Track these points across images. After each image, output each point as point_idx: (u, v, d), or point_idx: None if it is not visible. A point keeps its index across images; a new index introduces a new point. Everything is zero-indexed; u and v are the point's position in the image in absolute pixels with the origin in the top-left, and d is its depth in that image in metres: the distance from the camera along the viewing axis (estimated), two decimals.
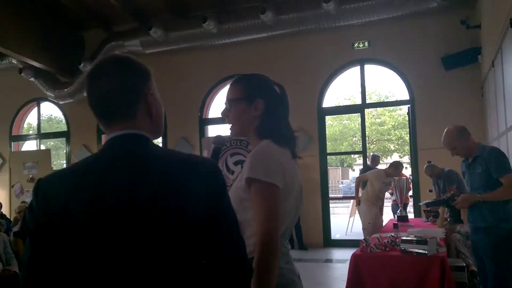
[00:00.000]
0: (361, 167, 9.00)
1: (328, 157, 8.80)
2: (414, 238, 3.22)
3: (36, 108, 10.41)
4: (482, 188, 3.12)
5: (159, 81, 1.15)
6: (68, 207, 0.94)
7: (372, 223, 5.62)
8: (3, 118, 10.13)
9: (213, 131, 9.03)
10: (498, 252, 3.03)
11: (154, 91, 1.09)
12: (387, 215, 7.30)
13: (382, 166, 7.82)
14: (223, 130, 9.06)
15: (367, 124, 14.11)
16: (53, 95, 9.31)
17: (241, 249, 1.03)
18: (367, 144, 10.10)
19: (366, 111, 10.38)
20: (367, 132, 12.08)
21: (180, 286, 0.96)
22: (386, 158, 23.32)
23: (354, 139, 24.78)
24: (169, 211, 0.95)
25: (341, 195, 17.84)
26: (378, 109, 23.58)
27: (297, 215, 1.51)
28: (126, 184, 0.95)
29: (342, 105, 19.41)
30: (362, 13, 7.29)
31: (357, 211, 6.75)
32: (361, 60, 8.08)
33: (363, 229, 5.78)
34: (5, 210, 8.10)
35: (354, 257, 3.30)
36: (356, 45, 7.99)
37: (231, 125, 1.55)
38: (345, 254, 6.82)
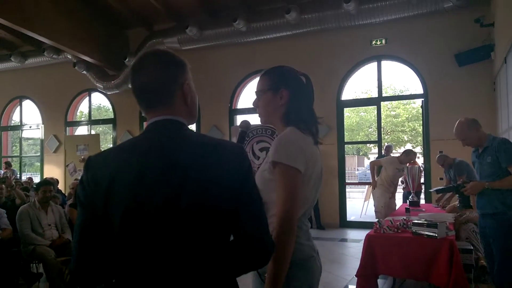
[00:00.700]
0: (376, 155, 8.81)
1: (345, 146, 8.65)
2: (425, 222, 3.12)
3: (87, 98, 10.64)
4: (491, 177, 3.01)
5: (194, 74, 1.14)
6: (113, 182, 0.96)
7: (385, 206, 5.49)
8: (60, 106, 10.44)
9: (241, 120, 9.01)
10: (506, 236, 2.92)
11: (189, 82, 1.10)
12: (399, 201, 7.14)
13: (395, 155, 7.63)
14: (250, 119, 9.01)
15: (382, 116, 13.75)
16: (102, 86, 9.49)
17: (264, 226, 1.02)
18: (382, 135, 9.84)
19: (382, 104, 10.09)
20: (382, 124, 11.78)
21: (207, 259, 0.96)
22: (400, 148, 22.77)
23: (370, 129, 24.28)
24: (200, 188, 0.95)
25: (357, 181, 17.60)
26: (393, 102, 22.98)
27: (316, 197, 1.48)
28: (164, 164, 0.96)
29: (359, 98, 19.01)
30: (380, 12, 7.07)
31: (371, 195, 6.62)
32: (378, 56, 7.85)
33: (376, 212, 5.65)
34: (60, 186, 8.37)
35: (368, 237, 3.23)
36: (374, 42, 7.76)
37: (260, 114, 1.55)
38: (359, 235, 6.75)
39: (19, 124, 11.48)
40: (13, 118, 11.76)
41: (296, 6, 7.30)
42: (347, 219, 8.09)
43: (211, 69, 8.65)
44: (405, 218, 3.54)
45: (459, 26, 6.99)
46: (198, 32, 8.02)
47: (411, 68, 7.64)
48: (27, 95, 10.95)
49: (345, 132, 8.33)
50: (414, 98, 12.99)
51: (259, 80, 1.55)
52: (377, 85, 8.21)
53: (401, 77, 21.11)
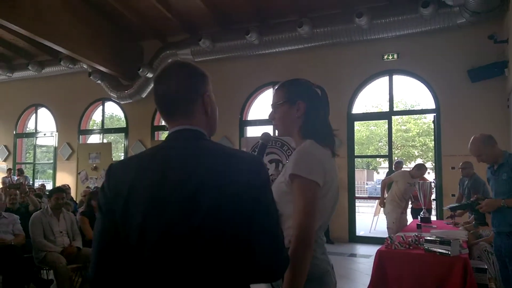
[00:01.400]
0: (385, 170, 8.72)
1: (355, 159, 8.58)
2: (438, 239, 3.05)
3: (101, 107, 10.78)
4: (506, 194, 2.95)
5: None
6: (133, 190, 0.97)
7: (396, 222, 5.40)
8: (74, 115, 10.58)
9: (251, 132, 9.03)
10: None
11: (210, 93, 1.12)
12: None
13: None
14: (260, 131, 9.03)
15: (393, 130, 13.61)
16: (115, 96, 9.62)
17: (280, 239, 1.00)
18: (393, 149, 9.74)
19: (393, 118, 10.02)
20: (392, 138, 11.65)
21: (220, 270, 0.94)
22: (410, 163, 22.52)
23: (380, 144, 24.11)
24: (217, 198, 0.94)
25: (367, 195, 17.39)
26: (404, 116, 22.83)
27: (333, 211, 1.46)
28: (182, 173, 0.96)
29: (370, 112, 18.92)
30: (392, 27, 7.07)
31: (381, 211, 6.53)
32: (390, 71, 7.83)
33: (388, 228, 5.55)
34: (72, 194, 8.42)
35: (379, 253, 3.16)
36: (385, 56, 7.75)
37: (276, 126, 1.54)
38: (369, 250, 6.63)
39: (34, 131, 11.67)
40: (28, 125, 11.95)
41: (308, 20, 7.34)
42: (356, 234, 7.97)
43: (223, 81, 8.70)
44: (416, 234, 3.47)
45: (473, 42, 6.95)
46: (211, 44, 8.11)
47: (423, 83, 7.59)
48: (43, 103, 11.13)
49: (355, 146, 8.27)
50: (425, 113, 12.89)
51: (275, 93, 1.54)
52: (388, 99, 8.17)
53: (412, 92, 20.96)
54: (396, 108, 18.24)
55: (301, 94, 1.49)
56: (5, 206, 4.56)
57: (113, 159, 9.63)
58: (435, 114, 7.52)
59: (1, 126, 11.58)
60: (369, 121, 22.53)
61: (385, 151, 19.59)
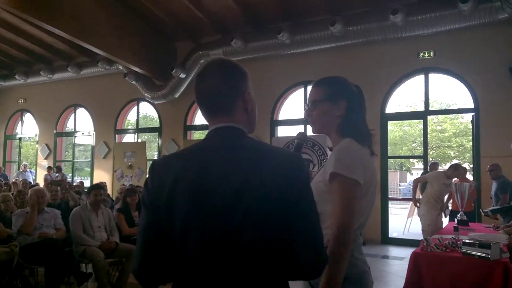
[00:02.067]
0: (419, 171, 8.50)
1: (388, 160, 8.41)
2: (477, 242, 2.95)
3: (135, 107, 11.08)
4: None
5: None
6: (175, 186, 0.97)
7: (431, 225, 5.24)
8: (110, 115, 10.96)
9: (282, 131, 9.03)
10: None
11: (250, 91, 1.12)
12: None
13: None
14: (291, 131, 9.03)
15: (428, 130, 13.22)
16: (149, 96, 9.88)
17: (319, 238, 0.99)
18: (427, 150, 9.49)
19: (428, 118, 9.74)
20: (427, 138, 11.34)
21: (261, 269, 0.95)
22: (446, 164, 21.77)
23: (414, 144, 23.43)
24: (258, 194, 0.94)
25: (401, 197, 16.97)
26: (440, 116, 22.08)
27: (371, 210, 1.45)
28: (224, 169, 0.97)
29: (404, 111, 18.44)
30: (428, 24, 6.86)
31: (415, 212, 6.36)
32: (425, 69, 7.61)
33: (423, 230, 5.39)
34: (108, 190, 8.72)
35: (414, 255, 3.09)
36: (421, 54, 7.55)
37: (313, 123, 1.53)
38: (402, 252, 6.49)
39: (73, 130, 12.19)
40: (68, 125, 12.49)
41: (341, 18, 7.26)
42: (389, 236, 7.81)
43: (254, 80, 8.44)
44: (454, 237, 3.37)
45: None
46: (242, 44, 8.18)
47: (461, 81, 7.34)
48: (81, 103, 11.61)
49: (388, 146, 8.11)
50: (463, 113, 12.42)
51: (315, 89, 1.53)
52: (423, 98, 7.95)
53: (448, 91, 20.24)
54: (432, 107, 17.69)
55: (342, 92, 1.49)
56: (47, 201, 4.74)
57: (147, 158, 9.89)
58: (473, 114, 7.25)
59: (43, 125, 12.18)
60: (402, 121, 21.98)
61: (419, 151, 19.01)
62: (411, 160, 25.91)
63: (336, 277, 1.24)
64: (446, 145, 22.79)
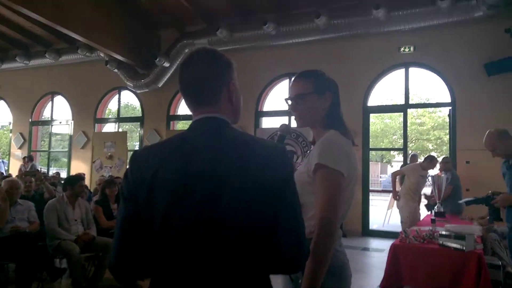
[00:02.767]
0: (399, 163, 8.70)
1: (369, 152, 8.57)
2: (452, 233, 3.07)
3: (117, 96, 10.86)
4: None
5: None
6: (156, 177, 0.96)
7: (410, 216, 5.41)
8: (90, 103, 10.71)
9: (267, 122, 9.06)
10: None
11: (235, 81, 1.11)
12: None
13: None
14: (275, 122, 9.08)
15: (407, 123, 13.47)
16: (131, 85, 9.71)
17: (301, 230, 0.99)
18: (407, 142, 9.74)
19: (408, 111, 9.94)
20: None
21: (243, 259, 0.94)
22: (424, 156, 22.37)
23: (394, 137, 23.93)
24: (241, 185, 0.94)
25: (381, 188, 17.33)
26: (419, 110, 22.59)
27: (352, 202, 1.47)
28: (207, 160, 0.96)
29: (385, 104, 18.76)
30: (409, 19, 7.05)
31: (395, 205, 6.53)
32: (406, 63, 7.77)
33: (402, 222, 5.57)
34: (85, 182, 8.55)
35: (393, 247, 3.20)
36: (402, 49, 7.69)
37: (301, 118, 1.51)
38: (382, 244, 6.65)
39: (50, 119, 11.80)
40: (44, 113, 12.10)
41: (325, 11, 7.30)
42: (370, 228, 8.00)
43: (239, 71, 8.50)
44: (431, 228, 3.50)
45: (490, 36, 6.89)
46: (228, 34, 8.13)
47: (439, 76, 7.53)
48: (59, 91, 11.29)
49: (370, 138, 8.26)
50: (441, 106, 12.73)
51: (299, 83, 1.51)
52: (404, 92, 8.11)
53: (427, 85, 20.70)
54: (412, 101, 18.04)
55: (328, 85, 1.50)
56: (21, 193, 4.43)
57: (128, 149, 9.75)
58: (450, 108, 7.46)
59: (17, 114, 11.82)
60: (384, 114, 22.39)
61: (399, 144, 19.41)
62: (391, 152, 26.46)
63: (320, 269, 1.24)
64: (424, 138, 23.36)
